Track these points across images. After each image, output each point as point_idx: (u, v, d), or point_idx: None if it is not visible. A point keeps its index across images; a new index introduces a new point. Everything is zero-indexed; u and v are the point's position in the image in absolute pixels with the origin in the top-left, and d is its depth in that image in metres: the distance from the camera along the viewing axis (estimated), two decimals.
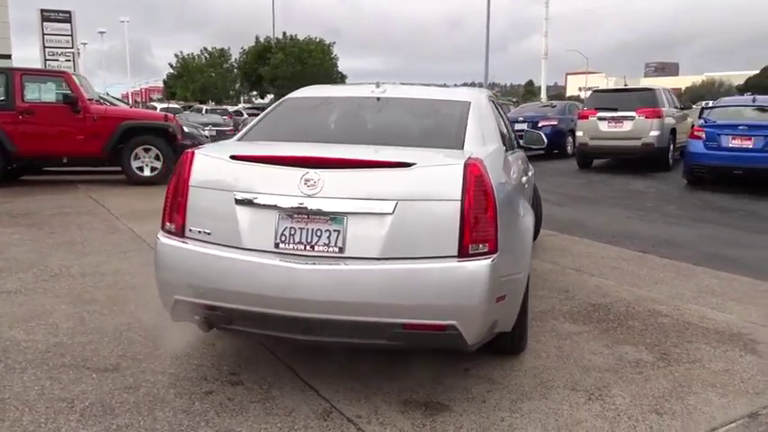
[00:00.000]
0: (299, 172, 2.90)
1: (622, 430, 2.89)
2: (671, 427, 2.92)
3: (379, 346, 3.05)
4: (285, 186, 2.91)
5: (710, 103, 12.57)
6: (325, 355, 3.53)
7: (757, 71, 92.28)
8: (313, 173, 2.88)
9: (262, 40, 51.62)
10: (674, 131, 13.84)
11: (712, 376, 3.48)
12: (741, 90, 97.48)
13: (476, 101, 3.84)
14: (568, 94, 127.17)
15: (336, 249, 2.86)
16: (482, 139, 3.44)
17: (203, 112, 30.56)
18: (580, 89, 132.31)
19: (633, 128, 13.13)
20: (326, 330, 2.90)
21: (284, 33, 49.98)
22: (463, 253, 2.83)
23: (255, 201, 2.95)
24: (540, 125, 16.32)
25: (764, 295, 5.06)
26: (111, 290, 4.78)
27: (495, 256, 2.86)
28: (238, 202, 2.97)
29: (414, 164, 2.90)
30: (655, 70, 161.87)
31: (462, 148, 3.29)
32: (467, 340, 2.86)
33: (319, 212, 2.87)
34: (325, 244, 2.88)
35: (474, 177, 2.87)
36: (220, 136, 19.96)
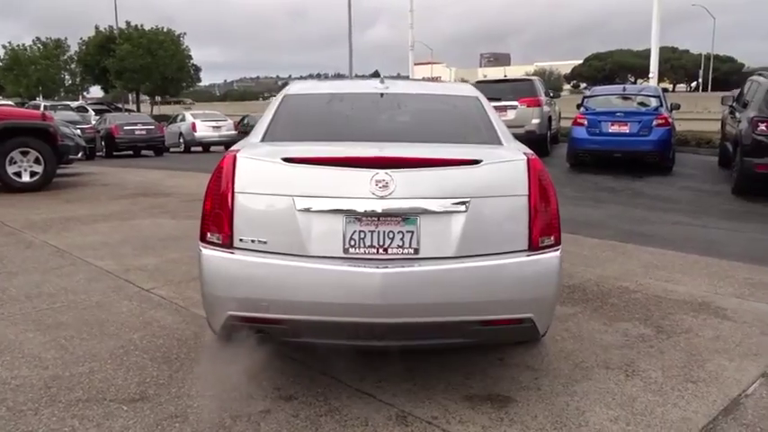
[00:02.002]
0: (368, 173, 2.79)
1: (674, 401, 3.10)
2: (710, 393, 3.18)
3: (454, 344, 3.04)
4: (354, 189, 2.79)
5: (588, 92, 13.63)
6: (358, 359, 3.43)
7: (581, 61, 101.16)
8: (383, 173, 2.79)
9: (103, 29, 48.00)
10: (550, 119, 14.85)
11: (711, 343, 3.83)
12: (568, 78, 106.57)
13: (480, 96, 3.90)
14: None
15: (411, 251, 2.80)
16: (507, 134, 3.50)
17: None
18: (424, 79, 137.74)
19: (516, 116, 13.88)
20: (403, 334, 2.84)
21: (128, 23, 46.84)
22: (533, 247, 2.88)
23: (321, 205, 2.79)
24: None
25: (698, 266, 5.61)
26: (73, 311, 4.29)
27: (560, 247, 2.95)
28: (300, 207, 2.80)
29: (481, 161, 2.90)
30: (489, 60, 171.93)
31: (501, 143, 3.33)
32: (539, 330, 2.93)
33: (392, 214, 2.79)
34: (399, 246, 2.80)
35: (536, 172, 2.93)
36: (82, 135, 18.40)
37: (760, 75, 10.53)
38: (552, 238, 2.93)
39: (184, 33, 47.89)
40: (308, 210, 2.80)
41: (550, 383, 3.27)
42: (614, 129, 11.61)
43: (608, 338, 3.89)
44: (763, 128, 8.91)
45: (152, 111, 48.00)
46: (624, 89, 13.37)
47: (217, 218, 2.89)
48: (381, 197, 2.77)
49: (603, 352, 3.68)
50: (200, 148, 23.43)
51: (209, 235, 2.92)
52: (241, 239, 2.85)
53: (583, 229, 7.28)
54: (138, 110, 42.74)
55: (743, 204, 9.01)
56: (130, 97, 52.73)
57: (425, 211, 2.79)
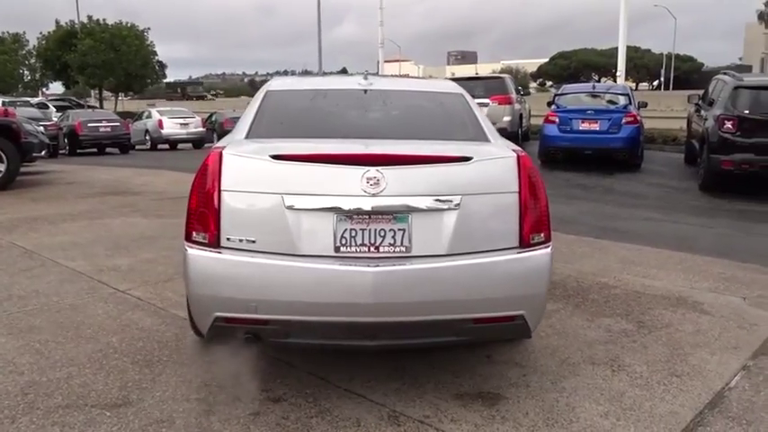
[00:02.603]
0: (358, 170, 2.75)
1: (660, 395, 3.14)
2: (695, 387, 3.23)
3: (447, 343, 3.02)
4: (345, 186, 2.74)
5: (559, 90, 13.78)
6: (346, 359, 3.40)
7: (546, 59, 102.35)
8: (374, 171, 2.75)
9: (64, 24, 46.82)
10: (521, 116, 14.97)
11: (691, 337, 3.88)
12: (534, 77, 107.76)
13: (464, 92, 3.88)
14: None
15: (403, 249, 2.76)
16: (493, 131, 3.49)
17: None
18: (393, 76, 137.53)
19: (488, 114, 13.90)
20: (396, 334, 2.81)
21: (90, 17, 45.76)
22: (524, 243, 2.88)
23: (310, 203, 2.74)
24: None
25: (672, 261, 5.71)
26: (46, 314, 4.16)
27: (550, 244, 2.94)
28: (289, 205, 2.74)
29: (471, 158, 2.88)
30: (456, 58, 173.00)
31: (489, 140, 3.31)
32: (531, 327, 2.93)
33: (383, 212, 2.75)
34: (390, 244, 2.76)
35: (526, 168, 2.93)
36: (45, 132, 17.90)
37: (725, 74, 10.77)
38: (542, 234, 2.92)
39: (148, 29, 47.07)
40: (297, 208, 2.74)
41: (539, 380, 3.28)
42: (585, 126, 11.75)
43: (591, 334, 3.92)
44: (729, 126, 9.11)
45: (116, 107, 47.03)
46: (594, 87, 13.56)
47: (203, 216, 2.82)
48: (373, 195, 2.73)
49: (588, 348, 3.71)
50: (166, 146, 23.03)
51: (194, 234, 2.84)
52: (228, 239, 2.78)
53: (558, 225, 7.28)
54: (101, 106, 41.75)
55: (710, 201, 9.20)
56: (93, 93, 51.57)
57: (417, 209, 2.76)
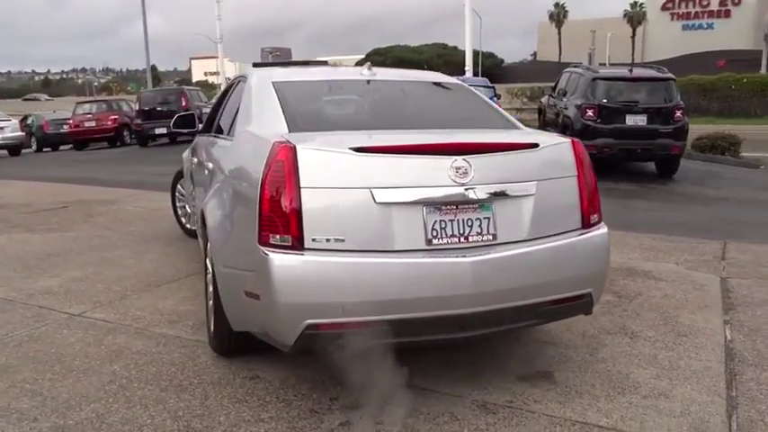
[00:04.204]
0: (447, 160, 2.70)
1: (685, 353, 3.45)
2: (704, 343, 3.59)
3: (525, 326, 3.06)
4: (434, 177, 2.68)
5: None
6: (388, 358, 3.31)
7: (363, 55, 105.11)
8: (461, 160, 2.71)
9: None
10: None
11: (666, 301, 4.31)
12: None
13: (465, 84, 3.95)
14: (195, 78, 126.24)
15: (490, 237, 2.77)
16: (512, 117, 3.59)
17: None
18: (207, 74, 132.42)
19: None
20: (487, 322, 2.80)
21: None
22: (586, 224, 3.02)
23: (401, 196, 2.64)
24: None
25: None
26: (6, 351, 3.53)
27: (603, 223, 3.12)
28: (380, 199, 2.62)
29: (538, 144, 2.95)
30: (270, 54, 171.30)
31: (518, 127, 3.41)
32: (594, 304, 3.08)
33: (471, 201, 2.73)
34: (478, 233, 2.75)
35: (580, 152, 3.07)
36: None
37: (576, 68, 11.90)
38: (597, 215, 3.08)
39: None
40: (387, 202, 2.63)
41: (577, 354, 3.45)
42: None
43: None
44: (591, 113, 10.11)
45: None
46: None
47: (282, 218, 2.59)
48: (462, 184, 2.70)
49: (593, 320, 3.94)
50: None
51: (272, 237, 2.60)
52: (314, 239, 2.59)
53: None
54: None
55: None
56: None
57: (500, 197, 2.78)
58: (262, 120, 3.23)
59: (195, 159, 4.73)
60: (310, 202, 2.60)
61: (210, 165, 3.66)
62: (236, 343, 3.25)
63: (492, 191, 2.76)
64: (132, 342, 3.62)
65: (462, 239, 2.72)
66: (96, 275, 4.95)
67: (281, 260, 2.57)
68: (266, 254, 2.58)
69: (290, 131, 2.99)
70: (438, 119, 3.45)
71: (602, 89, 10.25)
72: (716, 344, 3.59)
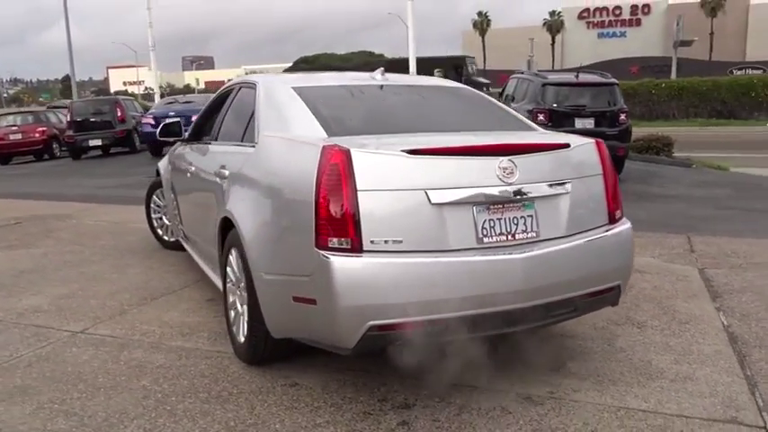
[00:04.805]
0: (494, 161, 2.79)
1: (694, 339, 3.66)
2: (707, 329, 3.81)
3: (563, 320, 3.16)
4: (482, 177, 2.76)
5: None
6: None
7: (290, 63, 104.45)
8: (506, 160, 2.81)
9: None
10: None
11: (657, 292, 4.55)
12: None
13: (471, 87, 4.07)
14: (113, 88, 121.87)
15: (534, 234, 2.87)
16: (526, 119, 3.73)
17: None
18: (126, 83, 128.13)
19: None
20: (535, 317, 2.89)
21: None
22: (612, 219, 3.18)
23: (454, 196, 2.71)
24: (194, 119, 15.93)
25: None
26: (18, 372, 3.37)
27: (625, 218, 3.28)
28: (435, 200, 2.67)
29: (569, 144, 3.08)
30: (192, 63, 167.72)
31: (537, 129, 3.54)
32: (621, 295, 3.23)
33: (516, 200, 2.82)
34: (523, 230, 2.85)
35: (603, 151, 3.22)
36: None
37: (522, 74, 12.31)
38: (620, 211, 3.25)
39: None
40: (441, 202, 2.69)
41: (596, 345, 3.60)
42: None
43: None
44: (542, 117, 10.46)
45: None
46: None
47: (340, 221, 2.61)
48: (509, 183, 2.79)
49: (599, 312, 4.08)
50: None
51: (330, 240, 2.61)
52: (372, 241, 2.62)
53: None
54: None
55: None
56: None
57: (541, 195, 2.89)
58: (292, 125, 3.23)
59: (187, 168, 4.62)
60: (367, 204, 2.62)
61: (226, 172, 3.60)
62: (270, 351, 3.22)
63: (535, 189, 2.86)
64: (151, 356, 3.52)
65: (510, 237, 2.82)
66: (84, 291, 4.76)
67: (341, 263, 2.58)
68: (326, 257, 2.59)
69: (328, 136, 3.00)
70: (465, 121, 3.54)
71: (551, 94, 10.64)
72: (716, 329, 3.82)
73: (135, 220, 7.58)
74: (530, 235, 2.86)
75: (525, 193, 2.83)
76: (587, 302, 3.08)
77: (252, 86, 3.89)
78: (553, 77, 11.28)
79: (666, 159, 13.56)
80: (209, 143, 4.38)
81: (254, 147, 3.43)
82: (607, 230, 3.12)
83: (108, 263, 5.61)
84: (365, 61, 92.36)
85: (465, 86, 4.09)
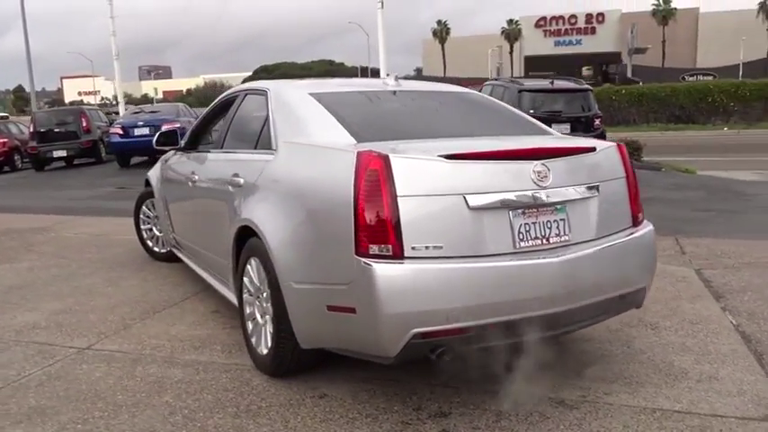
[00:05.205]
0: (528, 165, 2.79)
1: (708, 339, 3.72)
2: (719, 328, 3.87)
3: (594, 323, 3.17)
4: (518, 182, 2.76)
5: None
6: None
7: (250, 73, 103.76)
8: (540, 164, 2.81)
9: None
10: None
11: (660, 294, 4.58)
12: None
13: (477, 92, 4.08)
14: (68, 99, 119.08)
15: (567, 237, 2.88)
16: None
17: None
18: (81, 93, 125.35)
19: None
20: (569, 320, 2.90)
21: None
22: (636, 222, 3.21)
23: (491, 201, 2.69)
24: (163, 128, 15.65)
25: None
26: (31, 392, 3.22)
27: (646, 220, 3.32)
28: (473, 205, 2.66)
29: (595, 148, 3.10)
30: (149, 73, 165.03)
31: (552, 133, 3.56)
32: (645, 297, 3.26)
33: (550, 203, 2.83)
34: (556, 234, 2.86)
35: (625, 155, 3.26)
36: None
37: (495, 80, 12.46)
38: (641, 213, 3.28)
39: None
40: (479, 207, 2.68)
41: (615, 348, 3.62)
42: None
43: None
44: None
45: None
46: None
47: (380, 227, 2.57)
48: (544, 188, 2.80)
49: None
50: None
51: (371, 248, 2.57)
52: (413, 247, 2.59)
53: None
54: None
55: None
56: None
57: (573, 199, 2.90)
58: (315, 131, 3.18)
59: (189, 177, 4.50)
60: (407, 210, 2.59)
61: (240, 180, 3.52)
62: (297, 363, 3.16)
63: (567, 193, 2.87)
64: (167, 371, 3.41)
65: (544, 241, 2.82)
66: (81, 306, 4.60)
67: (384, 270, 2.54)
68: (368, 264, 2.54)
69: (358, 142, 2.96)
70: (487, 126, 3.54)
71: (527, 100, 10.79)
72: (727, 329, 3.89)
73: (118, 231, 7.41)
74: (563, 239, 2.86)
75: (558, 197, 2.84)
76: (617, 305, 3.10)
77: (261, 93, 3.82)
78: (529, 84, 11.46)
79: (636, 163, 13.83)
80: (214, 151, 4.29)
81: (272, 153, 3.37)
82: (632, 233, 3.15)
83: (100, 276, 5.43)
84: (326, 70, 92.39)
85: (473, 91, 4.09)
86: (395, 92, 3.75)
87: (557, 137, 3.52)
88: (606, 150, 3.20)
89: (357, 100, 3.55)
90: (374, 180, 2.59)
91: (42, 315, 4.42)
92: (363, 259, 2.57)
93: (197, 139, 4.99)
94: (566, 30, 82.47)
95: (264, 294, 3.22)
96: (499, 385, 3.11)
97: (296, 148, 3.21)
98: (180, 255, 5.19)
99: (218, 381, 3.28)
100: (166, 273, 5.47)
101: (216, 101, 4.87)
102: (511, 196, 2.73)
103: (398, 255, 2.57)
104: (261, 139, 3.60)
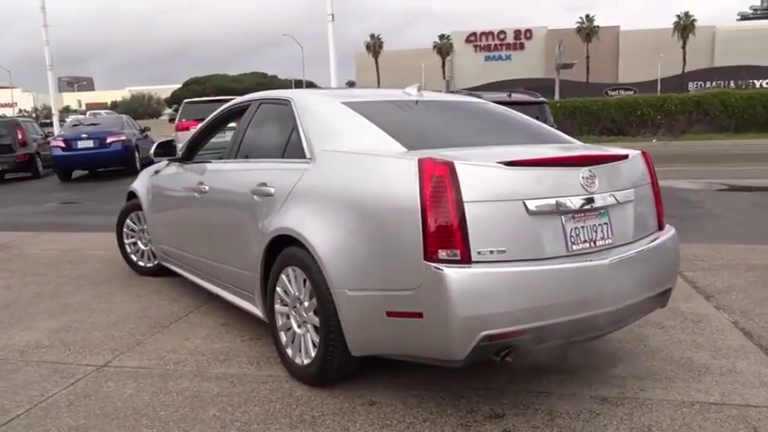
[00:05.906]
0: (577, 171, 2.91)
1: (715, 335, 3.94)
2: (720, 326, 4.10)
3: (631, 322, 3.30)
4: (571, 187, 2.88)
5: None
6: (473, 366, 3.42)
7: (179, 85, 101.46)
8: (587, 171, 2.94)
9: None
10: None
11: None
12: (169, 102, 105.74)
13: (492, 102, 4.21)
14: None
15: (610, 241, 3.01)
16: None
17: None
18: (3, 105, 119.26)
19: None
20: (615, 321, 3.02)
21: None
22: (661, 225, 3.39)
23: (548, 206, 2.80)
24: (109, 141, 15.16)
25: None
26: (65, 413, 3.08)
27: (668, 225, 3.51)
28: (532, 210, 2.75)
29: (628, 155, 3.26)
30: (69, 84, 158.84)
31: (573, 141, 3.72)
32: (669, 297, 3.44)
33: (596, 208, 2.96)
34: (601, 237, 2.99)
35: (649, 162, 3.44)
36: None
37: (452, 93, 12.69)
38: (664, 217, 3.47)
39: None
40: (537, 212, 2.77)
41: (632, 347, 3.79)
42: None
43: None
44: None
45: None
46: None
47: (448, 232, 2.63)
48: (592, 193, 2.92)
49: None
50: None
51: (440, 252, 2.62)
52: (479, 252, 2.65)
53: None
54: None
55: None
56: None
57: (615, 203, 3.04)
58: (357, 139, 3.21)
59: (196, 188, 4.40)
60: (472, 215, 2.66)
61: (271, 189, 3.49)
62: (343, 370, 3.16)
63: (610, 198, 3.01)
64: (201, 385, 3.33)
65: (592, 244, 2.94)
66: (79, 323, 4.41)
67: (454, 274, 2.59)
68: (439, 269, 2.59)
69: (407, 149, 3.00)
70: (519, 135, 3.65)
71: None
72: (728, 326, 4.14)
73: (88, 246, 7.14)
74: (607, 242, 3.00)
75: (603, 202, 2.97)
76: (649, 305, 3.26)
77: (283, 103, 3.82)
78: (487, 96, 11.71)
79: None
80: (229, 161, 4.22)
81: (307, 162, 3.36)
82: (658, 236, 3.33)
83: (87, 293, 5.22)
84: (258, 81, 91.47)
85: (491, 102, 4.22)
86: (417, 101, 3.82)
87: (583, 145, 3.66)
88: (636, 158, 3.36)
89: (389, 109, 3.60)
90: (440, 186, 2.65)
91: (42, 334, 4.22)
92: (433, 264, 2.61)
93: (195, 150, 4.90)
94: (495, 45, 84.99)
95: (306, 304, 3.21)
96: (543, 385, 3.22)
97: (339, 157, 3.22)
98: (175, 268, 5.06)
99: (259, 392, 3.23)
100: (157, 287, 5.32)
101: (216, 112, 4.81)
102: (564, 201, 2.84)
103: (466, 259, 2.63)
104: (289, 148, 3.59)
